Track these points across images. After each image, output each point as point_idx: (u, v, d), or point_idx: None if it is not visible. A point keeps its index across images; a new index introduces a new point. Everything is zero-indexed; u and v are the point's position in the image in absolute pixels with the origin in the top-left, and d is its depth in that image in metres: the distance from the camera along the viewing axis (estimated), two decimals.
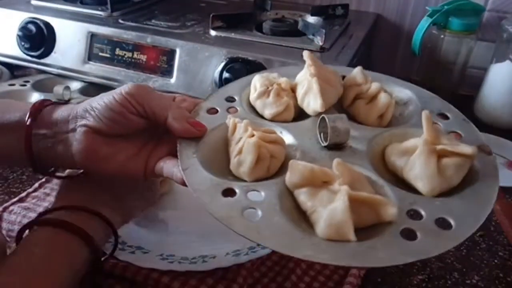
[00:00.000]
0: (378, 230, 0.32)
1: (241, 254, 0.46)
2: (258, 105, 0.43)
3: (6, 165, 0.57)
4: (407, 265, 0.49)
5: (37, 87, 0.78)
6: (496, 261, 0.50)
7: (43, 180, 0.58)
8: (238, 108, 0.44)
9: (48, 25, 0.78)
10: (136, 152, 0.39)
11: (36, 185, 0.57)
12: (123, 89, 0.38)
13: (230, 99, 0.45)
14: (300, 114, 0.43)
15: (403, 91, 0.46)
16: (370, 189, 0.34)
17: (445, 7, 0.76)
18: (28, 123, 0.38)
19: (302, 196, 0.33)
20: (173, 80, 0.71)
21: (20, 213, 0.52)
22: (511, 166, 0.65)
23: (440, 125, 0.41)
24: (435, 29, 0.79)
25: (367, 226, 0.32)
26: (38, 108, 0.39)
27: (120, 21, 0.79)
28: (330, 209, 0.31)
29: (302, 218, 0.33)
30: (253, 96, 0.44)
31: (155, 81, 0.73)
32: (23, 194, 0.55)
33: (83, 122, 0.37)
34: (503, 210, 0.53)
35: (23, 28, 0.78)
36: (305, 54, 0.44)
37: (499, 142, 0.70)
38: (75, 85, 0.78)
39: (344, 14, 0.85)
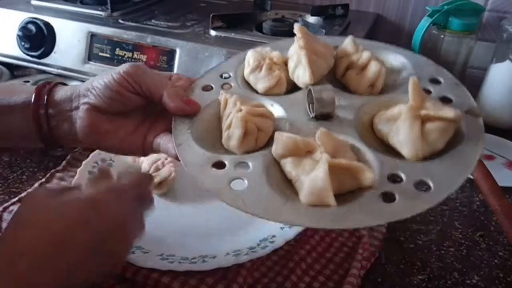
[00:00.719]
0: (359, 195, 0.33)
1: (241, 254, 0.46)
2: (251, 79, 0.44)
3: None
4: (407, 265, 0.49)
5: None
6: (496, 261, 0.50)
7: (43, 180, 0.58)
8: (232, 84, 0.45)
9: (48, 25, 0.78)
10: (134, 129, 0.41)
11: (36, 185, 0.57)
12: (121, 68, 0.40)
13: (225, 76, 0.46)
14: (294, 87, 0.44)
15: (397, 58, 0.45)
16: (352, 156, 0.35)
17: (445, 7, 0.76)
18: (33, 104, 0.40)
19: (287, 165, 0.35)
20: None
21: None
22: (511, 166, 0.65)
23: (431, 90, 0.41)
24: (435, 29, 0.79)
25: (349, 192, 0.33)
26: (42, 89, 0.41)
27: (120, 21, 0.79)
28: (311, 177, 0.33)
29: (289, 187, 0.35)
30: (246, 71, 0.45)
31: None
32: (23, 194, 0.55)
33: (85, 100, 0.40)
34: (503, 211, 0.53)
35: (23, 28, 0.78)
36: (296, 26, 0.44)
37: (499, 142, 0.70)
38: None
39: (344, 14, 0.84)
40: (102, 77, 0.40)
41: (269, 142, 0.38)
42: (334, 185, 0.32)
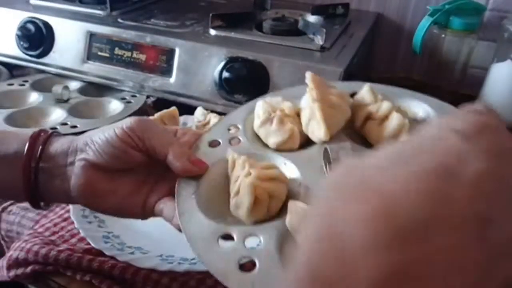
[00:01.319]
0: None
1: None
2: (262, 133, 0.41)
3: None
4: None
5: (36, 86, 0.77)
6: None
7: None
8: (241, 138, 0.41)
9: (47, 25, 0.77)
10: (135, 189, 0.38)
11: None
12: (124, 123, 0.37)
13: (233, 129, 0.43)
14: (308, 140, 0.41)
15: (421, 106, 0.42)
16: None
17: (446, 6, 0.76)
18: (25, 155, 0.36)
19: None
20: (172, 79, 0.71)
21: (18, 214, 0.52)
22: None
23: None
24: (436, 28, 0.79)
25: None
26: (36, 139, 0.37)
27: (119, 20, 0.78)
28: None
29: None
30: (256, 124, 0.42)
31: (155, 81, 0.72)
32: None
33: (83, 156, 0.36)
34: None
35: (22, 28, 0.78)
36: (308, 76, 0.41)
37: None
38: (74, 85, 0.78)
39: (344, 13, 0.84)
40: (103, 131, 0.37)
41: (283, 208, 0.35)
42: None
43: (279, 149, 0.40)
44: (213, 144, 0.41)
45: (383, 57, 0.93)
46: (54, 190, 0.37)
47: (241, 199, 0.34)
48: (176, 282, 0.44)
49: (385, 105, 0.40)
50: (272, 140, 0.40)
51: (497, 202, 0.17)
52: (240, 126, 0.43)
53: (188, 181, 0.37)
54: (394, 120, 0.39)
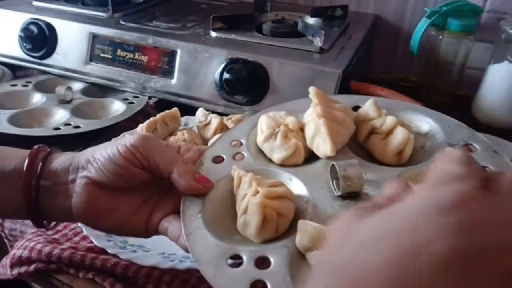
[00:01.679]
0: None
1: None
2: (265, 148, 0.41)
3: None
4: None
5: (39, 87, 0.78)
6: None
7: None
8: (244, 154, 0.41)
9: (49, 26, 0.78)
10: (138, 207, 0.37)
11: None
12: (127, 140, 0.36)
13: (237, 144, 0.42)
14: (312, 154, 0.40)
15: (424, 120, 0.42)
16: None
17: (444, 8, 0.77)
18: (25, 173, 0.35)
19: None
20: (174, 81, 0.72)
21: None
22: None
23: None
24: (434, 30, 0.80)
25: None
26: (36, 156, 0.36)
27: (121, 22, 0.79)
28: None
29: None
30: (260, 139, 0.41)
31: (156, 82, 0.73)
32: None
33: (84, 173, 0.35)
34: None
35: (25, 29, 0.78)
36: (311, 91, 0.41)
37: (498, 142, 0.70)
38: (77, 86, 0.79)
39: (343, 15, 0.85)
40: (105, 148, 0.36)
41: (291, 227, 0.34)
42: None
43: (284, 164, 0.40)
44: (217, 160, 0.41)
45: (381, 58, 0.94)
46: (55, 208, 0.36)
47: (249, 218, 0.34)
48: (177, 279, 0.44)
49: (389, 120, 0.40)
50: (277, 156, 0.40)
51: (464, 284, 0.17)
52: (243, 141, 0.42)
53: (193, 199, 0.36)
54: (399, 134, 0.39)
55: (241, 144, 0.42)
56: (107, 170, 0.35)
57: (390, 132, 0.39)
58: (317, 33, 0.70)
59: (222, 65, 0.67)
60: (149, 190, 0.38)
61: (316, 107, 0.39)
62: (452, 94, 0.84)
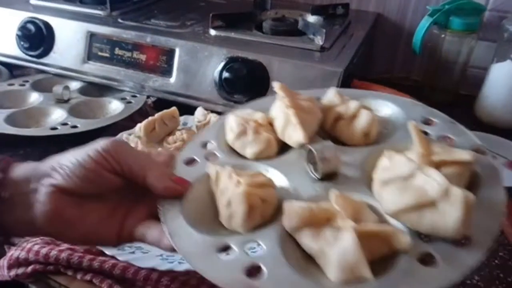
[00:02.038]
0: (393, 261, 0.30)
1: None
2: (237, 146, 0.42)
3: None
4: None
5: (36, 87, 0.78)
6: (496, 261, 0.50)
7: None
8: (217, 153, 0.42)
9: (47, 25, 0.77)
10: (108, 214, 0.36)
11: None
12: (98, 145, 0.35)
13: (207, 145, 0.43)
14: (283, 147, 0.41)
15: (384, 104, 0.44)
16: (374, 217, 0.32)
17: (446, 6, 0.76)
18: None
19: (306, 238, 0.31)
20: (172, 79, 0.71)
21: None
22: (511, 166, 0.65)
23: (428, 132, 0.39)
24: (436, 28, 0.79)
25: (380, 258, 0.30)
26: None
27: (120, 20, 0.78)
28: (339, 250, 0.29)
29: (309, 261, 0.31)
30: (230, 137, 0.42)
31: (155, 81, 0.73)
32: None
33: (49, 181, 0.33)
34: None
35: (22, 28, 0.78)
36: (276, 85, 0.42)
37: (500, 142, 0.70)
38: (75, 85, 0.78)
39: (344, 14, 0.84)
40: (73, 154, 0.34)
41: (275, 213, 0.35)
42: (365, 254, 0.28)
43: (257, 158, 0.40)
44: (190, 162, 0.41)
45: (383, 57, 0.93)
46: (15, 220, 0.34)
47: (235, 209, 0.34)
48: (176, 281, 0.44)
49: (353, 104, 0.42)
50: (250, 151, 0.41)
51: None
52: (214, 142, 0.43)
53: (171, 202, 0.36)
54: (364, 116, 0.41)
55: (212, 144, 0.43)
56: (76, 176, 0.33)
57: (354, 116, 0.41)
58: (318, 31, 0.69)
59: (222, 64, 0.67)
60: (119, 196, 0.37)
61: (283, 99, 0.41)
62: (454, 93, 0.84)
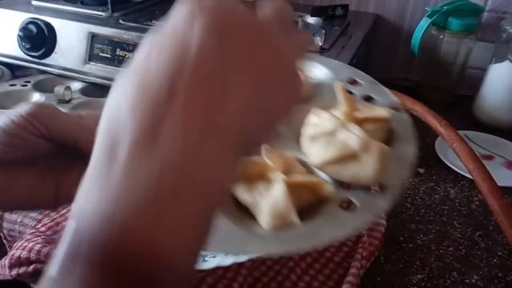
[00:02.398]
0: (318, 208, 0.33)
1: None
2: None
3: None
4: (406, 264, 0.49)
5: (38, 87, 0.78)
6: (495, 260, 0.50)
7: None
8: None
9: (48, 26, 0.78)
10: (42, 178, 0.34)
11: None
12: (21, 109, 0.32)
13: None
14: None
15: (314, 66, 0.47)
16: (302, 169, 0.35)
17: (445, 7, 0.77)
18: None
19: (239, 192, 0.33)
20: None
21: (21, 213, 0.52)
22: (511, 166, 0.66)
23: (353, 91, 0.42)
24: (435, 29, 0.80)
25: (307, 205, 0.33)
26: None
27: (121, 21, 0.79)
28: (271, 200, 0.32)
29: (245, 214, 0.34)
30: None
31: None
32: None
33: None
34: (503, 211, 0.53)
35: (24, 29, 0.78)
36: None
37: (498, 142, 0.70)
38: (76, 86, 0.78)
39: (343, 15, 0.85)
40: None
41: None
42: (293, 202, 0.32)
43: None
44: None
45: (382, 58, 0.94)
46: None
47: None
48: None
49: None
50: None
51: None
52: None
53: None
54: None
55: None
56: (1, 143, 0.31)
57: None
58: (317, 32, 0.70)
59: None
60: (52, 160, 0.34)
61: None
62: (453, 93, 0.84)
